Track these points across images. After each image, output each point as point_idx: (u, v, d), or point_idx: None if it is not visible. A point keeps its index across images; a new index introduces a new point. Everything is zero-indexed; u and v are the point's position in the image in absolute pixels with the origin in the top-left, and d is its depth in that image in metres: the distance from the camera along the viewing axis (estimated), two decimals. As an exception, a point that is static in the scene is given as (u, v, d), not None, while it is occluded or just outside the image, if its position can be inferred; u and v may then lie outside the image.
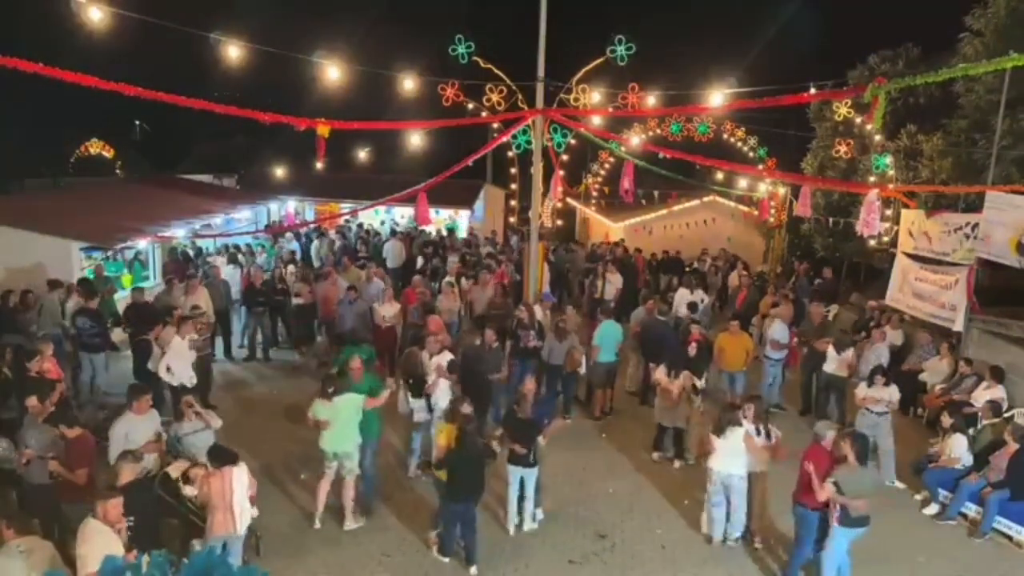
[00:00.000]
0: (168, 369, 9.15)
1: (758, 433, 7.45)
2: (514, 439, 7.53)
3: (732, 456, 7.34)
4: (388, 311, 11.59)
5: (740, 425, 7.34)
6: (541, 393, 10.54)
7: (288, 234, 18.26)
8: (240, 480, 6.19)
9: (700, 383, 9.37)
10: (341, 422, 7.46)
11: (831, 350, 10.40)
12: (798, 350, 11.57)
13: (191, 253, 16.44)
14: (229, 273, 14.12)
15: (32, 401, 7.15)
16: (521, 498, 7.76)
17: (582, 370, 10.44)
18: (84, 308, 10.51)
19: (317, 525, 7.67)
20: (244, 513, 6.21)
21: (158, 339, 9.64)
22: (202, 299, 11.50)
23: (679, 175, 19.97)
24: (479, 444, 7.28)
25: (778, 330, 11.07)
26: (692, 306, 12.45)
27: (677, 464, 9.45)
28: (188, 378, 9.24)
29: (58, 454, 6.56)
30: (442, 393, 8.61)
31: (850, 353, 10.38)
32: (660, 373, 9.33)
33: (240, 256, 15.51)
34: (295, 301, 12.95)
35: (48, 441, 6.66)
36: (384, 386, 8.14)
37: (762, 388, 10.90)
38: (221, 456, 6.27)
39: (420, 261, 17.05)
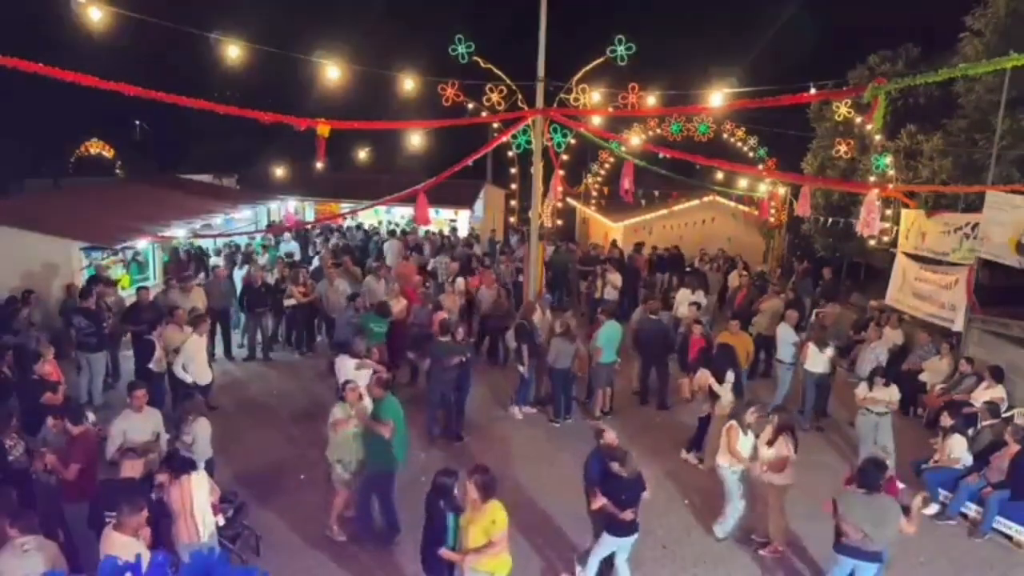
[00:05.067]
0: (184, 368, 9.20)
1: (769, 444, 7.30)
2: (621, 505, 6.24)
3: (724, 450, 7.64)
4: (395, 306, 11.59)
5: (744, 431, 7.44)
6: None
7: (286, 234, 18.24)
8: (200, 487, 6.03)
9: (718, 386, 8.90)
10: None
11: (812, 347, 10.40)
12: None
13: (194, 252, 16.43)
14: (230, 273, 14.11)
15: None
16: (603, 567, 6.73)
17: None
18: (80, 307, 10.47)
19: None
20: (207, 520, 6.06)
21: (161, 337, 9.69)
22: (199, 300, 11.53)
23: (679, 175, 19.96)
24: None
25: (786, 333, 10.84)
26: (696, 306, 12.43)
27: (692, 460, 9.50)
28: (203, 376, 9.35)
29: (58, 449, 6.57)
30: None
31: (831, 350, 10.45)
32: (702, 377, 9.18)
33: (238, 256, 15.49)
34: (287, 302, 12.94)
35: (61, 443, 6.69)
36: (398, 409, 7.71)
37: (777, 397, 10.72)
38: (179, 464, 6.12)
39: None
